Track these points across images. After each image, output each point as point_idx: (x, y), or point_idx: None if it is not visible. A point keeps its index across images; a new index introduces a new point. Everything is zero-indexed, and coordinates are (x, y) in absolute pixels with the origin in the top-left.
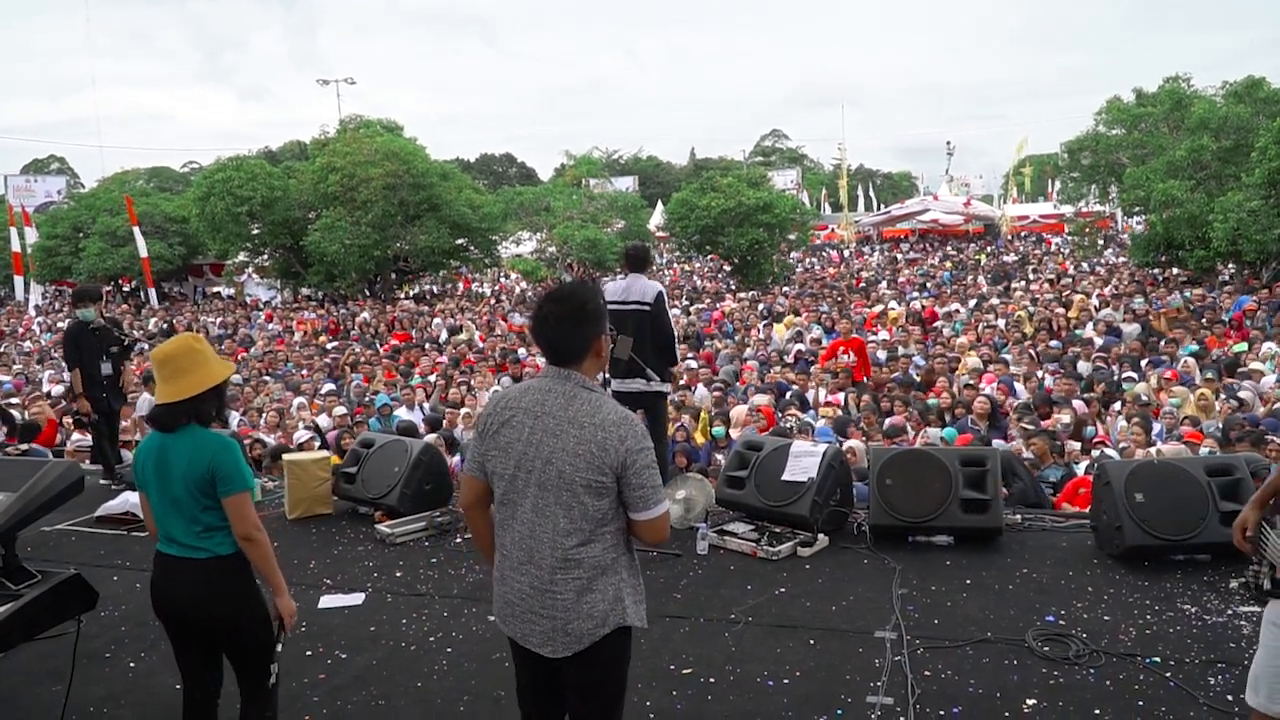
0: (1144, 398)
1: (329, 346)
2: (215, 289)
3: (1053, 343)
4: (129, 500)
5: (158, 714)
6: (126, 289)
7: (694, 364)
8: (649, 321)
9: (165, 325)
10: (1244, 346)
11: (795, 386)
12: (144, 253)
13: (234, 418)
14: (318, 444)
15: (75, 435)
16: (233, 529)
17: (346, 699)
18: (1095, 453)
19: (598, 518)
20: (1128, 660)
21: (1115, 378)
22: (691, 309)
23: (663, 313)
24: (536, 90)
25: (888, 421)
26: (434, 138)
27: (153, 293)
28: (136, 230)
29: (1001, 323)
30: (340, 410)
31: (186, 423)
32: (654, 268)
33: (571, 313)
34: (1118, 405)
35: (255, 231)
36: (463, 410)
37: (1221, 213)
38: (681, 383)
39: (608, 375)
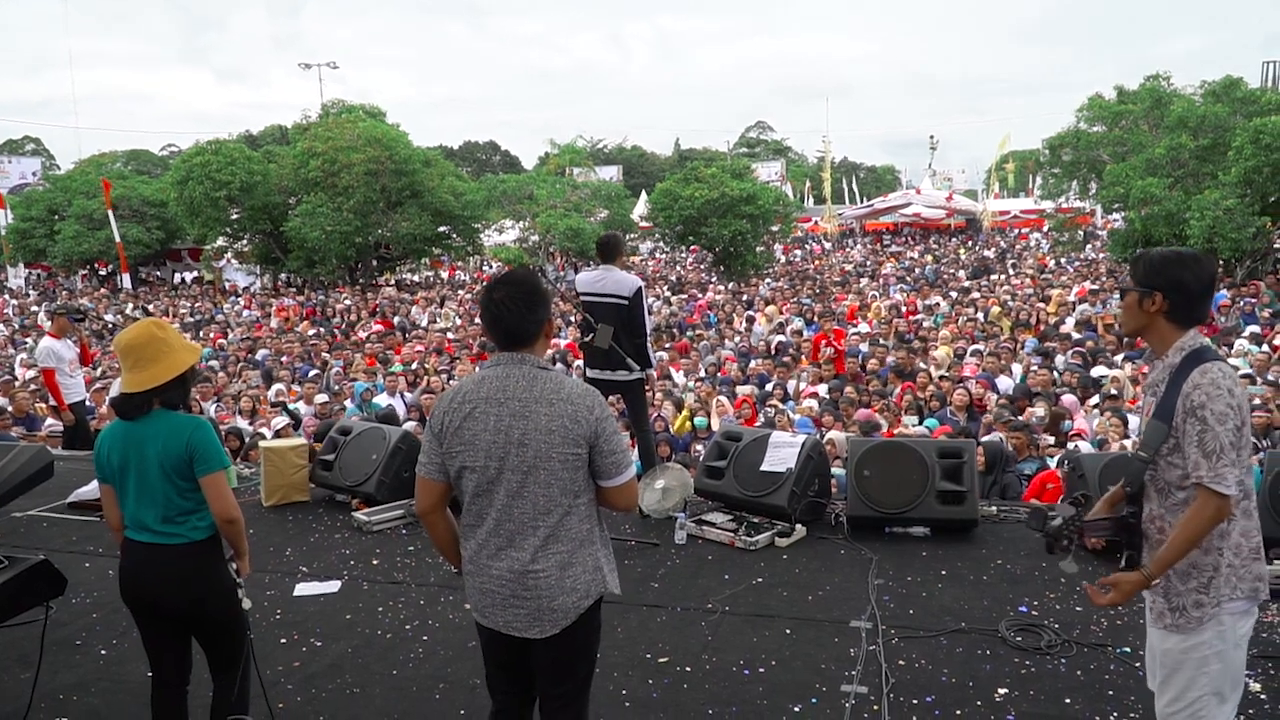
0: (1114, 390)
1: (309, 333)
2: (181, 275)
3: (1027, 340)
4: None
5: (128, 701)
6: (103, 273)
7: (664, 355)
8: (625, 314)
9: (141, 310)
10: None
11: (776, 378)
12: (118, 237)
13: (210, 405)
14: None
15: (49, 420)
16: (212, 508)
17: (321, 687)
18: (1070, 446)
19: (574, 490)
20: (1098, 650)
21: (1090, 372)
22: (673, 299)
23: (639, 308)
24: (522, 76)
25: (860, 413)
26: (418, 123)
27: (126, 278)
28: (111, 215)
29: (981, 315)
30: (322, 398)
31: (148, 410)
32: (634, 259)
33: (524, 296)
34: (1094, 399)
35: (234, 216)
36: None
37: (1198, 210)
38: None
39: (584, 365)
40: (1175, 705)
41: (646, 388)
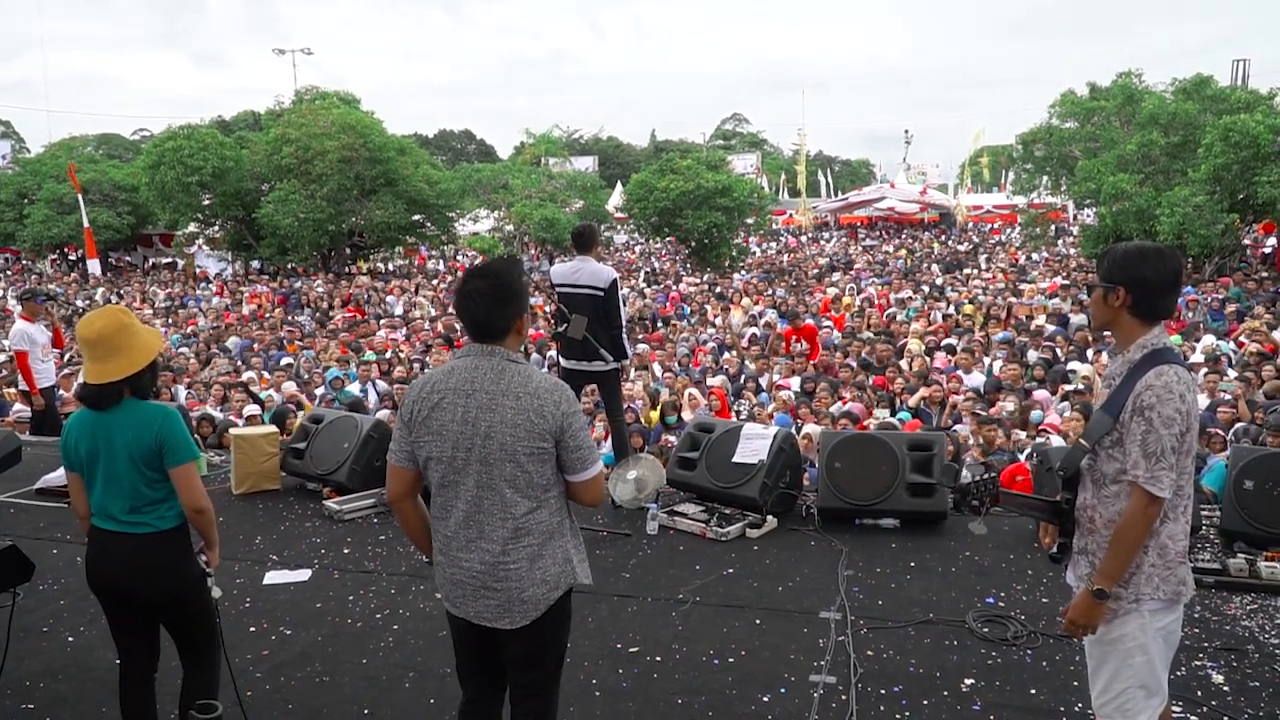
0: (1080, 386)
1: (281, 321)
2: (153, 262)
3: (998, 334)
4: None
5: (95, 689)
6: (73, 258)
7: (643, 346)
8: (601, 305)
9: (116, 295)
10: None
11: (752, 369)
12: (86, 222)
13: (180, 392)
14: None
15: (17, 405)
16: (181, 499)
17: (290, 675)
18: (1039, 439)
19: (542, 484)
20: (1064, 642)
21: (1062, 366)
22: (648, 290)
23: (614, 300)
24: (498, 65)
25: (836, 407)
26: (392, 111)
27: (94, 264)
28: (80, 199)
29: (953, 309)
30: (291, 386)
31: (119, 400)
32: (610, 249)
33: (496, 290)
34: (1059, 394)
35: (206, 202)
36: None
37: (1168, 207)
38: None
39: (559, 356)
40: (1104, 697)
41: (622, 378)
